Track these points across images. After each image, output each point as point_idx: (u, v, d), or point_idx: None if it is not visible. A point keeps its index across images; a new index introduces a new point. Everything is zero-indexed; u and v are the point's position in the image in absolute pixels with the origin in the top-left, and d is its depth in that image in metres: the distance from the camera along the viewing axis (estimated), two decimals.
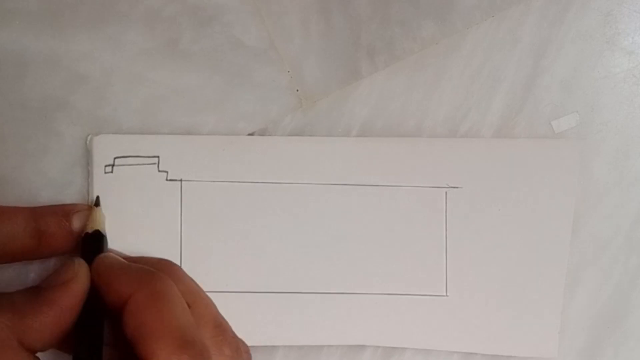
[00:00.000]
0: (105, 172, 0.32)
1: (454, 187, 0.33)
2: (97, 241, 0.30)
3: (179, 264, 0.32)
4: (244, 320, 0.32)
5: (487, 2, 0.34)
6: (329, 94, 0.34)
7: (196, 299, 0.28)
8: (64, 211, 0.30)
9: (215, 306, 0.29)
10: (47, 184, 0.31)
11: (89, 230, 0.30)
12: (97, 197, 0.31)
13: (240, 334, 0.31)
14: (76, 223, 0.30)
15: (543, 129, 0.34)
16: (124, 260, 0.29)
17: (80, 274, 0.27)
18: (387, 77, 0.34)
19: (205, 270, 0.32)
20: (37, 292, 0.26)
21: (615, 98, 0.34)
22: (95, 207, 0.31)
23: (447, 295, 0.33)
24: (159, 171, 0.32)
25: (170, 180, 0.32)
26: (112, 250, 0.31)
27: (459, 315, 0.33)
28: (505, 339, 0.33)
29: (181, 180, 0.32)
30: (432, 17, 0.34)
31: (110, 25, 0.32)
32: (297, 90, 0.33)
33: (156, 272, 0.27)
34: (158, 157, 0.32)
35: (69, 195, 0.32)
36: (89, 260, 0.29)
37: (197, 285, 0.29)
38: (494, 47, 0.34)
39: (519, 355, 0.33)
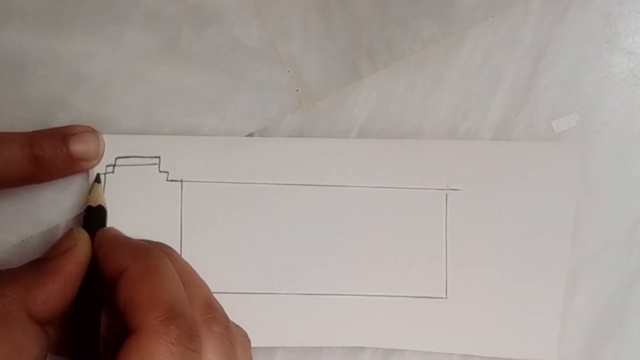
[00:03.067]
0: (107, 172, 0.32)
1: (455, 189, 0.33)
2: (99, 215, 0.31)
3: None
4: (244, 321, 0.32)
5: (487, 2, 0.34)
6: (329, 94, 0.34)
7: (190, 279, 0.28)
8: (60, 134, 0.30)
9: (208, 289, 0.29)
10: (48, 183, 0.31)
11: (93, 204, 0.31)
12: (98, 175, 0.32)
13: None
14: (74, 146, 0.30)
15: (543, 129, 0.34)
16: (124, 235, 0.30)
17: (80, 242, 0.28)
18: (387, 77, 0.34)
19: (205, 270, 0.32)
20: (40, 264, 0.27)
21: (615, 98, 0.34)
22: (96, 183, 0.31)
23: (447, 298, 0.33)
24: (160, 171, 0.32)
25: (171, 180, 0.32)
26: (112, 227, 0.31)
27: (459, 317, 0.33)
28: (505, 341, 0.33)
29: (182, 180, 0.32)
30: (432, 17, 0.34)
31: (110, 25, 0.32)
32: (297, 90, 0.33)
33: (153, 248, 0.28)
34: (159, 157, 0.32)
35: (70, 195, 0.32)
36: (91, 234, 0.29)
37: (192, 268, 0.30)
38: (494, 47, 0.34)
39: (519, 358, 0.33)
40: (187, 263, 0.30)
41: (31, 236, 0.32)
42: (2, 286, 0.26)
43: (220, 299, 0.30)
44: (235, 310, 0.32)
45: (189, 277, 0.28)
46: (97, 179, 0.32)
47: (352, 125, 0.33)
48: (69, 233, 0.29)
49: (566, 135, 0.34)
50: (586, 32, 0.34)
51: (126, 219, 0.32)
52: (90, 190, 0.31)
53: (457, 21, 0.34)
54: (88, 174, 0.32)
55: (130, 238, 0.30)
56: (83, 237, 0.29)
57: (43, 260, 0.27)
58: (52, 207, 0.32)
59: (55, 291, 0.26)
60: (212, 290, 0.32)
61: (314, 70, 0.33)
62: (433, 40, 0.34)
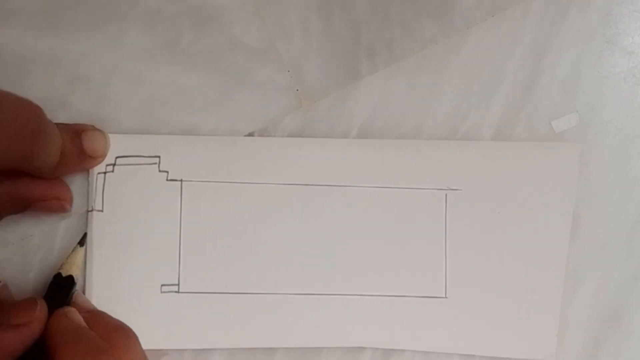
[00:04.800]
0: (107, 172, 0.32)
1: (454, 190, 0.33)
2: (66, 288, 0.30)
3: (177, 264, 0.32)
4: (244, 321, 0.32)
5: (487, 2, 0.34)
6: (329, 94, 0.34)
7: None
8: (74, 129, 0.30)
9: None
10: None
11: (63, 273, 0.30)
12: (84, 235, 0.31)
13: (239, 335, 0.32)
14: (86, 142, 0.30)
15: (543, 129, 0.34)
16: (82, 327, 0.28)
17: (35, 322, 0.27)
18: (387, 77, 0.34)
19: (205, 271, 0.32)
20: None
21: (615, 98, 0.34)
22: (79, 247, 0.31)
23: (446, 297, 0.33)
24: (160, 171, 0.32)
25: (171, 180, 0.32)
26: (77, 297, 0.30)
27: (458, 317, 0.33)
28: (504, 340, 0.33)
29: (181, 180, 0.32)
30: (432, 17, 0.34)
31: (110, 25, 0.32)
32: (297, 90, 0.33)
33: (107, 351, 0.26)
34: (159, 157, 0.32)
35: None
36: (51, 304, 0.28)
37: (146, 358, 0.28)
38: (494, 47, 0.34)
39: (518, 357, 0.33)
40: (143, 354, 0.28)
41: (31, 235, 0.32)
42: None
43: (219, 299, 0.30)
44: (234, 310, 0.32)
45: None
46: (82, 242, 0.31)
47: (352, 125, 0.33)
48: (31, 305, 0.27)
49: (566, 135, 0.34)
50: (586, 32, 0.34)
51: (126, 218, 0.32)
52: (70, 254, 0.31)
53: (457, 21, 0.34)
54: (88, 174, 0.32)
55: (87, 333, 0.27)
56: (41, 316, 0.27)
57: None
58: None
59: None
60: (212, 290, 0.32)
61: (314, 70, 0.33)
62: (433, 40, 0.34)
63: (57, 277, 0.30)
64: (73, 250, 0.31)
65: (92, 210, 0.32)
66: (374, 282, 0.33)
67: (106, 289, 0.31)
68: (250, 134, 0.33)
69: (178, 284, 0.32)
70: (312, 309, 0.32)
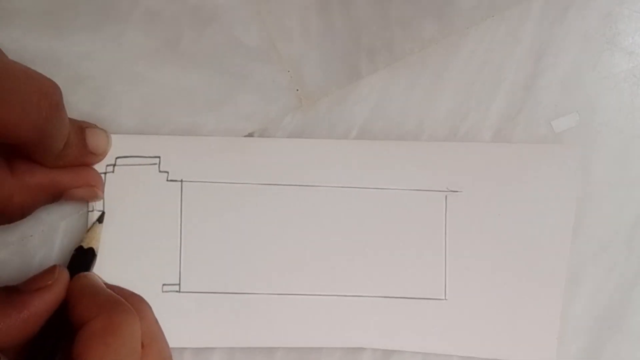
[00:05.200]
0: (107, 172, 0.32)
1: (454, 191, 0.33)
2: (87, 259, 0.30)
3: (178, 264, 0.32)
4: (244, 321, 0.32)
5: (487, 2, 0.34)
6: (329, 94, 0.34)
7: (152, 342, 0.27)
8: (78, 124, 0.30)
9: (170, 354, 0.28)
10: None
11: (85, 245, 0.30)
12: (102, 214, 0.32)
13: (239, 335, 0.32)
14: (89, 138, 0.30)
15: (543, 129, 0.34)
16: (101, 285, 0.29)
17: (57, 284, 0.27)
18: (387, 77, 0.34)
19: (205, 271, 0.32)
20: (12, 293, 0.27)
21: (615, 98, 0.34)
22: (97, 223, 0.31)
23: (446, 299, 0.33)
24: (160, 171, 0.32)
25: (171, 180, 0.32)
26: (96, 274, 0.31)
27: (458, 319, 0.33)
28: (504, 342, 0.33)
29: (182, 180, 0.32)
30: (432, 17, 0.34)
31: (110, 25, 0.32)
32: (297, 90, 0.33)
33: (124, 303, 0.27)
34: (159, 157, 0.32)
35: None
36: (73, 275, 0.29)
37: (160, 329, 0.29)
38: (494, 47, 0.34)
39: (518, 359, 0.33)
40: (155, 322, 0.29)
41: (31, 235, 0.32)
42: None
43: (219, 299, 0.30)
44: (234, 310, 0.32)
45: (151, 340, 0.27)
46: (100, 219, 0.31)
47: (352, 125, 0.33)
48: (50, 270, 0.28)
49: (566, 135, 0.34)
50: (586, 32, 0.34)
51: (126, 219, 0.32)
52: (90, 228, 0.31)
53: (457, 21, 0.34)
54: None
55: (105, 289, 0.28)
56: (62, 278, 0.28)
57: (16, 290, 0.27)
58: (52, 206, 0.32)
59: (17, 324, 0.26)
60: (211, 290, 0.32)
61: (314, 70, 0.33)
62: (433, 40, 0.34)
63: (79, 249, 0.30)
64: (92, 225, 0.31)
65: (92, 211, 0.32)
66: (374, 283, 0.33)
67: None
68: (250, 134, 0.33)
69: (179, 284, 0.32)
70: (312, 310, 0.32)
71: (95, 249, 0.31)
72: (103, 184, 0.31)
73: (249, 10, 0.33)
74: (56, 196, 0.29)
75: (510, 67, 0.34)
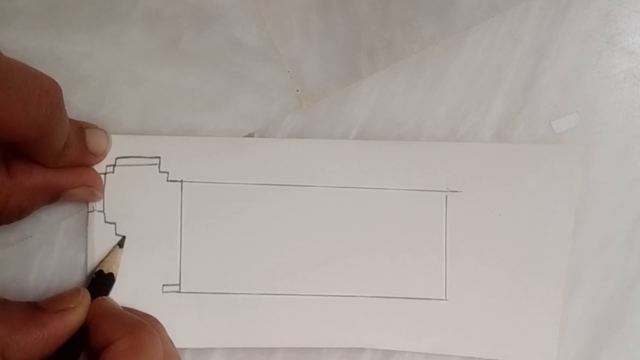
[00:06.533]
0: (107, 172, 0.32)
1: (455, 191, 0.33)
2: (107, 283, 0.31)
3: (178, 264, 0.32)
4: (244, 321, 0.32)
5: (487, 2, 0.34)
6: (329, 94, 0.34)
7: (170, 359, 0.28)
8: (78, 124, 0.30)
9: None
10: None
11: (105, 270, 0.31)
12: (123, 238, 0.32)
13: (239, 335, 0.32)
14: (88, 138, 0.30)
15: (543, 129, 0.34)
16: (120, 307, 0.30)
17: (80, 307, 0.28)
18: (387, 77, 0.34)
19: (205, 271, 0.32)
20: (35, 310, 0.27)
21: (615, 98, 0.34)
22: (118, 248, 0.31)
23: (446, 299, 0.33)
24: (160, 172, 0.32)
25: (171, 181, 0.32)
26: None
27: (458, 319, 0.33)
28: (504, 343, 0.33)
29: (182, 181, 0.32)
30: (432, 17, 0.34)
31: (110, 25, 0.32)
32: (297, 90, 0.33)
33: (147, 324, 0.27)
34: (159, 157, 0.32)
35: None
36: (92, 298, 0.29)
37: (174, 346, 0.30)
38: (494, 47, 0.34)
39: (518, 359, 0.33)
40: (170, 341, 0.30)
41: (31, 236, 0.32)
42: None
43: (220, 299, 0.30)
44: (234, 310, 0.32)
45: (169, 358, 0.28)
46: (121, 243, 0.32)
47: (352, 125, 0.33)
48: (74, 292, 0.28)
49: (566, 135, 0.34)
50: (586, 32, 0.34)
51: (126, 219, 0.32)
52: (110, 252, 0.31)
53: (457, 21, 0.34)
54: None
55: (124, 312, 0.29)
56: (85, 302, 0.28)
57: (39, 309, 0.27)
58: (52, 207, 0.31)
59: (36, 344, 0.26)
60: (212, 290, 0.32)
61: (314, 70, 0.33)
62: (433, 40, 0.34)
63: (99, 273, 0.31)
64: (113, 250, 0.31)
65: (92, 211, 0.32)
66: (374, 284, 0.33)
67: None
68: (251, 135, 0.33)
69: (179, 284, 0.32)
70: (312, 310, 0.32)
71: (115, 274, 0.31)
72: (102, 185, 0.31)
73: (249, 10, 0.33)
74: (54, 197, 0.29)
75: (510, 67, 0.34)
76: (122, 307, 0.30)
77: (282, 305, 0.32)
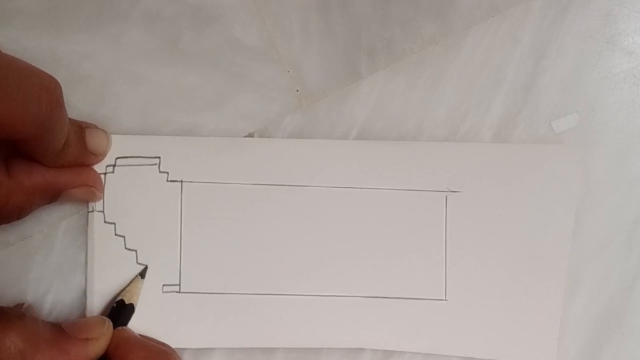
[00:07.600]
0: (107, 172, 0.32)
1: (455, 192, 0.33)
2: (126, 314, 0.31)
3: (178, 264, 0.32)
4: (244, 321, 0.32)
5: (487, 2, 0.34)
6: (329, 94, 0.34)
7: None
8: (78, 124, 0.30)
9: None
10: None
11: (126, 301, 0.31)
12: (145, 268, 0.32)
13: (239, 335, 0.32)
14: (88, 138, 0.30)
15: (543, 129, 0.34)
16: (139, 336, 0.30)
17: (103, 339, 0.28)
18: (387, 77, 0.34)
19: (205, 271, 0.32)
20: (59, 335, 0.27)
21: (615, 98, 0.34)
22: (139, 278, 0.32)
23: (446, 300, 0.33)
24: (160, 172, 0.32)
25: (171, 181, 0.32)
26: None
27: (458, 319, 0.33)
28: (504, 343, 0.33)
29: (182, 181, 0.32)
30: (432, 17, 0.34)
31: (110, 25, 0.32)
32: (297, 90, 0.33)
33: (170, 353, 0.29)
34: (159, 157, 0.32)
35: None
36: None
37: None
38: (494, 47, 0.34)
39: None
40: None
41: (31, 236, 0.32)
42: (18, 329, 0.26)
43: (220, 299, 0.30)
44: (235, 310, 0.32)
45: None
46: (143, 274, 0.32)
47: (352, 126, 0.33)
48: (99, 322, 0.29)
49: (566, 135, 0.34)
50: (586, 32, 0.34)
51: (126, 219, 0.32)
52: (131, 282, 0.31)
53: (457, 21, 0.34)
54: None
55: (147, 341, 0.30)
56: (108, 334, 0.29)
57: (64, 334, 0.27)
58: (52, 206, 0.32)
59: None
60: (212, 291, 0.32)
61: (314, 70, 0.33)
62: (433, 40, 0.34)
63: (120, 303, 0.31)
64: (134, 280, 0.31)
65: (92, 211, 0.32)
66: (374, 284, 0.33)
67: (107, 290, 0.31)
68: (250, 135, 0.33)
69: (179, 284, 0.32)
70: (312, 310, 0.32)
71: (135, 305, 0.31)
72: (102, 185, 0.31)
73: (249, 10, 0.33)
74: (54, 197, 0.29)
75: (510, 67, 0.34)
76: (139, 334, 0.31)
77: (282, 306, 0.32)
